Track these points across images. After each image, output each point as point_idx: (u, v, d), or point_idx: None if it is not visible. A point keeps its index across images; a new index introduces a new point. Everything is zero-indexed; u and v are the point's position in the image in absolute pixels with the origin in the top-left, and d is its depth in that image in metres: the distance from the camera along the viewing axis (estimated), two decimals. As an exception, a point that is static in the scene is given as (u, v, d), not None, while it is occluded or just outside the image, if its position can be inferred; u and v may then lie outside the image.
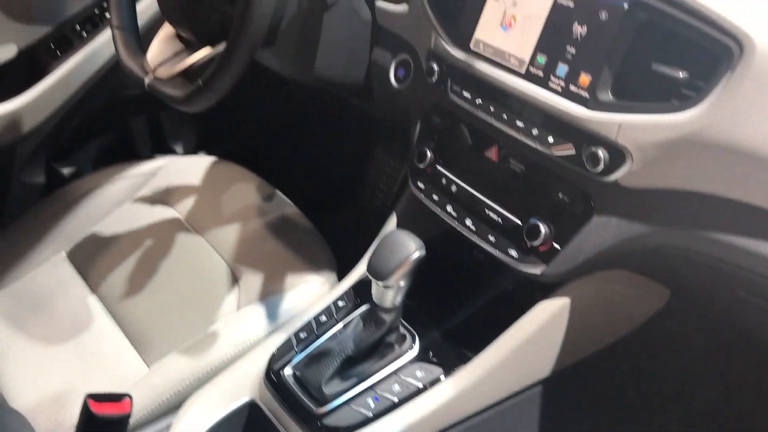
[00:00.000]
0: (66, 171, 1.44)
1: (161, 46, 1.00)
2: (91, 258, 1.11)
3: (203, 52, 0.93)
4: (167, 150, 1.56)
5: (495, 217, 0.83)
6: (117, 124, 1.50)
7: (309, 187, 1.36)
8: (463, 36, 0.84)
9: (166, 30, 1.01)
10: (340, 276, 1.04)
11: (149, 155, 1.50)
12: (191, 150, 1.59)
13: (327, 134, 1.68)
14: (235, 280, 1.04)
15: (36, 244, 1.15)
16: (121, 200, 1.20)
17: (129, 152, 1.52)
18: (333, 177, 1.64)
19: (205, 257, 1.08)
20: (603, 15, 0.69)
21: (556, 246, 0.77)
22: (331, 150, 1.67)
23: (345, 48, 1.03)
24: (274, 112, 1.68)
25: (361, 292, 0.93)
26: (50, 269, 1.12)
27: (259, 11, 0.78)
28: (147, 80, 0.95)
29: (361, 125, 1.62)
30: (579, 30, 0.72)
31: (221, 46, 0.91)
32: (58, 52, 1.30)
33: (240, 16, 0.78)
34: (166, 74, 0.94)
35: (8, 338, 1.01)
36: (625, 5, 0.67)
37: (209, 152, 1.47)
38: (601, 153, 0.69)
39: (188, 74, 0.94)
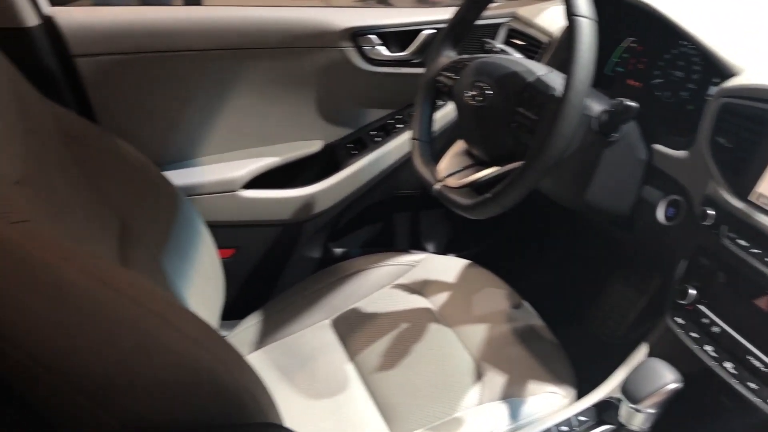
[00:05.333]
0: (337, 251, 1.64)
1: (452, 159, 1.15)
2: (352, 329, 1.26)
3: (492, 170, 1.06)
4: (420, 247, 1.72)
5: (759, 365, 0.84)
6: (384, 217, 1.69)
7: (546, 298, 1.42)
8: (743, 187, 0.89)
9: (458, 146, 1.17)
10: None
11: (405, 249, 1.67)
12: (441, 250, 1.74)
13: (570, 253, 1.75)
14: (479, 376, 1.12)
15: (307, 308, 1.33)
16: (383, 284, 1.35)
17: (389, 243, 1.70)
18: (569, 295, 1.69)
19: (453, 349, 1.18)
20: None
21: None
22: (571, 268, 1.73)
23: (616, 181, 1.10)
24: (522, 223, 1.78)
25: (603, 411, 0.97)
26: (316, 332, 1.28)
27: (558, 144, 0.89)
28: (437, 186, 1.10)
29: (603, 251, 1.66)
30: None
31: (509, 167, 1.04)
32: (353, 152, 1.54)
33: (539, 146, 0.90)
34: (455, 184, 1.08)
35: (275, 383, 1.17)
36: None
37: (457, 254, 1.60)
38: None
39: (474, 186, 1.07)
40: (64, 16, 1.26)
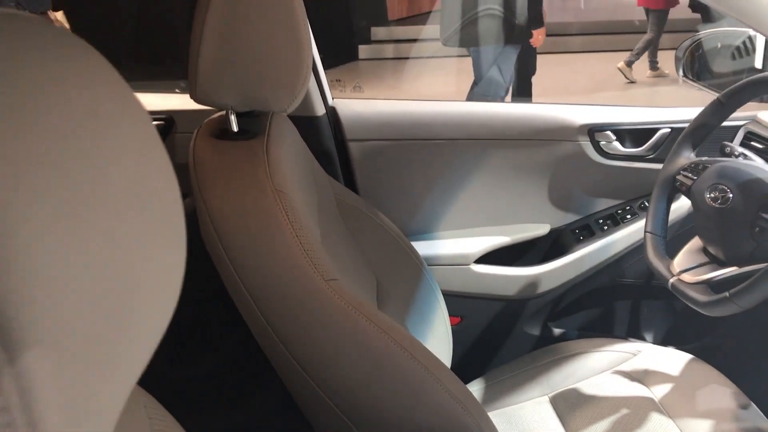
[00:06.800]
0: (557, 331, 1.72)
1: (688, 255, 1.20)
2: (571, 408, 1.32)
3: (730, 269, 1.10)
4: (638, 336, 1.74)
5: None
6: (604, 303, 1.74)
7: None
8: None
9: (694, 243, 1.22)
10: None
11: (623, 336, 1.70)
12: (659, 341, 1.74)
13: None
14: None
15: (527, 382, 1.41)
16: (603, 369, 1.40)
17: (608, 329, 1.74)
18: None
19: (678, 443, 1.20)
20: None
21: None
22: None
23: None
24: (749, 322, 1.73)
25: None
26: (535, 406, 1.35)
27: None
28: (672, 281, 1.16)
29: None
30: None
31: (748, 268, 1.08)
32: (580, 237, 1.62)
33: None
34: (691, 279, 1.13)
35: None
36: None
37: (677, 347, 1.61)
38: None
39: (709, 283, 1.12)
40: (344, 107, 1.51)
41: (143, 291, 0.31)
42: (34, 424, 0.25)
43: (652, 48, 6.56)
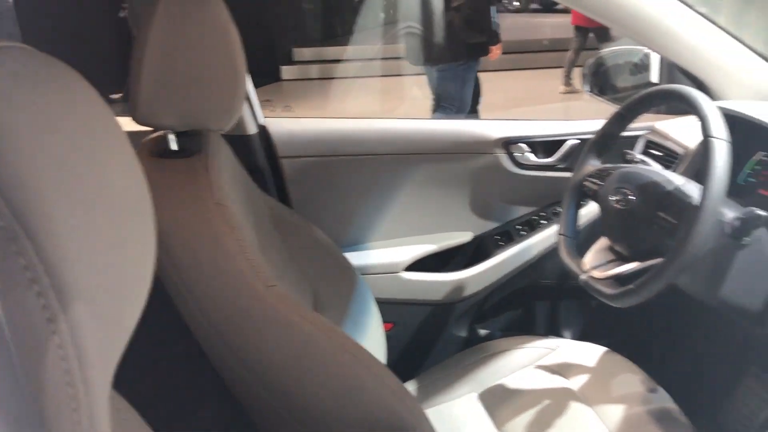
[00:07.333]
0: (482, 332, 1.82)
1: (596, 254, 1.31)
2: (498, 402, 1.41)
3: (634, 265, 1.21)
4: (557, 333, 1.86)
5: None
6: (525, 303, 1.85)
7: (681, 387, 1.51)
8: None
9: (602, 243, 1.33)
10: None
11: (543, 334, 1.82)
12: (576, 337, 1.87)
13: (705, 345, 1.82)
14: (619, 453, 1.24)
15: (456, 381, 1.49)
16: (525, 364, 1.50)
17: (529, 327, 1.86)
18: (703, 385, 1.76)
19: (593, 426, 1.29)
20: None
21: None
22: (705, 359, 1.80)
23: (748, 280, 1.22)
24: (656, 315, 1.88)
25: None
26: (464, 403, 1.43)
27: (694, 245, 1.05)
28: (583, 277, 1.27)
29: (737, 346, 1.73)
30: None
31: (650, 262, 1.20)
32: (500, 242, 1.73)
33: (679, 247, 1.06)
34: (600, 275, 1.24)
35: None
36: None
37: (592, 341, 1.73)
38: None
39: (616, 278, 1.23)
40: (275, 125, 1.57)
41: (131, 266, 0.39)
42: (81, 357, 0.31)
43: (569, 65, 6.84)
